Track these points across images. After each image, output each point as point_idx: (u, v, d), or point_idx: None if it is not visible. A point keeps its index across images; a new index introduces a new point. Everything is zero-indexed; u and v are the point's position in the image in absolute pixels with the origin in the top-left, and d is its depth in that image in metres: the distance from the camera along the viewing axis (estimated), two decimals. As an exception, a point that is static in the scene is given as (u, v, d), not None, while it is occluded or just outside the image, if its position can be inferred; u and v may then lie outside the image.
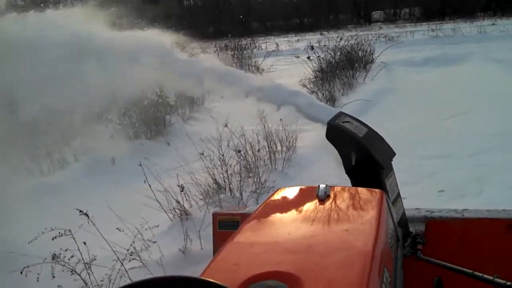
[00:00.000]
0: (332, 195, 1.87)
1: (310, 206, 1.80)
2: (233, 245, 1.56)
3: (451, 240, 2.53)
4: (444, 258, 2.23)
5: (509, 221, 2.41)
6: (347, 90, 11.01)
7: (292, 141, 6.47)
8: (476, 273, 2.02)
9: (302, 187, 2.06)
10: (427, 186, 5.18)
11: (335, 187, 1.96)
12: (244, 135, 5.70)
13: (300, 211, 1.78)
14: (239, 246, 1.56)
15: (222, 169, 4.94)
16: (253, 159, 5.67)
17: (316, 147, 6.29)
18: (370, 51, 14.78)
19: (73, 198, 4.87)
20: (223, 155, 4.95)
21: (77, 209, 3.15)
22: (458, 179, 5.12)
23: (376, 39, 22.35)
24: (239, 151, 5.11)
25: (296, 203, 1.90)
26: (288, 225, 1.68)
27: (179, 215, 4.64)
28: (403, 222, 2.47)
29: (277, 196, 2.02)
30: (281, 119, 6.45)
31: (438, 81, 11.23)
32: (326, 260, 1.39)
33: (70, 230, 3.05)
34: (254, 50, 25.50)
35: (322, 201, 1.82)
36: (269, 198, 2.03)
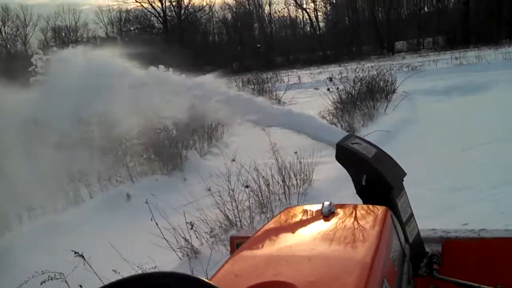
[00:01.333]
0: (336, 212, 1.91)
1: (314, 222, 1.86)
2: (237, 258, 1.61)
3: (468, 260, 2.49)
4: (461, 278, 2.24)
5: None
6: (367, 121, 10.83)
7: (308, 174, 6.31)
8: (483, 286, 2.07)
9: (308, 205, 2.11)
10: (449, 219, 4.93)
11: (340, 205, 2.00)
12: (257, 169, 5.57)
13: (304, 227, 1.84)
14: (243, 258, 1.60)
15: (232, 205, 4.80)
16: (267, 193, 5.53)
17: (333, 179, 6.11)
18: (391, 81, 14.64)
19: (81, 237, 4.80)
20: (233, 191, 4.82)
21: (72, 250, 3.05)
22: (481, 212, 4.86)
23: (398, 69, 22.24)
24: (247, 186, 4.98)
25: (301, 220, 1.97)
26: (291, 239, 1.73)
27: (187, 254, 4.49)
28: (418, 242, 2.48)
29: (284, 214, 2.09)
30: (295, 152, 6.34)
31: (462, 110, 10.95)
32: (325, 271, 1.40)
33: (62, 274, 2.94)
34: (276, 83, 25.69)
35: (326, 217, 1.85)
36: (276, 216, 2.10)
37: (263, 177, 5.46)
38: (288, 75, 30.10)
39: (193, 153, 8.70)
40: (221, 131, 11.32)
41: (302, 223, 1.91)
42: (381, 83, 14.25)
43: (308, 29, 59.97)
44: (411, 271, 1.95)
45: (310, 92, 17.64)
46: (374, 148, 2.56)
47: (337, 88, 12.33)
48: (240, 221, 4.88)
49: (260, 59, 49.17)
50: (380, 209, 1.95)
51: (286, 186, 5.69)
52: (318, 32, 58.03)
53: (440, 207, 5.18)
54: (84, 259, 3.14)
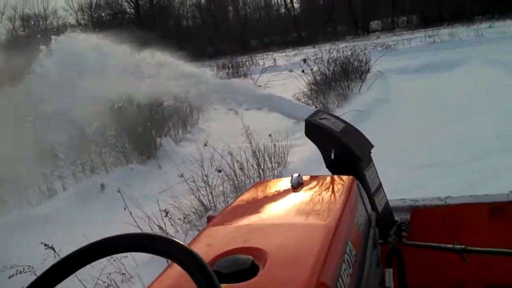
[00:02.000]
0: (305, 184, 1.97)
1: (283, 194, 1.91)
2: (208, 231, 1.65)
3: (435, 226, 2.63)
4: (431, 242, 2.37)
5: (492, 205, 2.52)
6: (342, 102, 10.87)
7: (283, 156, 6.30)
8: (443, 245, 2.22)
9: (278, 179, 2.22)
10: (420, 195, 4.99)
11: (309, 176, 2.07)
12: (231, 154, 5.53)
13: (273, 199, 1.89)
14: (214, 231, 1.64)
15: (206, 190, 4.77)
16: (242, 177, 5.50)
17: (308, 160, 6.12)
18: (365, 61, 14.69)
19: (54, 230, 4.72)
20: (206, 176, 4.78)
21: (42, 243, 2.99)
22: (451, 186, 4.91)
23: (373, 49, 22.33)
24: (220, 171, 4.95)
25: (270, 192, 2.02)
26: (261, 210, 1.79)
27: (162, 242, 4.45)
28: (387, 211, 2.60)
29: (255, 188, 2.15)
30: (270, 135, 6.32)
31: (435, 88, 11.05)
32: (292, 235, 1.46)
33: (31, 267, 2.88)
34: (252, 67, 25.58)
35: (295, 189, 1.90)
36: (247, 190, 2.15)
37: (237, 161, 5.43)
38: (263, 58, 29.95)
39: (167, 140, 8.58)
40: (196, 117, 11.23)
41: (272, 195, 1.96)
42: (356, 63, 14.29)
43: (283, 10, 59.64)
44: (377, 236, 2.01)
45: (285, 75, 17.58)
46: (342, 122, 2.63)
47: (311, 69, 12.29)
48: (215, 206, 4.86)
49: (235, 43, 48.76)
50: (346, 179, 2.02)
51: (261, 169, 5.67)
52: (292, 14, 57.73)
53: (412, 184, 5.22)
54: (55, 251, 3.08)
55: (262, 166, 5.71)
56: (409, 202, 2.74)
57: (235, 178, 5.24)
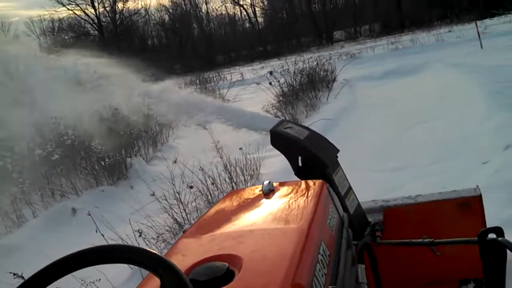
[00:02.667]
0: (276, 190, 2.02)
1: (255, 201, 1.94)
2: (183, 241, 1.67)
3: (409, 224, 2.72)
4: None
5: (459, 200, 2.64)
6: (310, 111, 10.97)
7: (255, 169, 6.29)
8: (413, 240, 2.28)
9: (250, 187, 2.23)
10: (394, 199, 5.05)
11: (280, 182, 2.12)
12: (202, 169, 5.49)
13: (246, 206, 1.92)
14: (188, 241, 1.66)
15: (179, 207, 4.71)
16: (216, 192, 5.46)
17: (280, 172, 6.10)
18: (331, 70, 14.89)
19: (24, 258, 4.56)
20: (178, 193, 4.73)
21: (11, 272, 2.88)
22: (424, 189, 4.98)
23: (338, 58, 22.69)
24: (191, 187, 4.90)
25: (243, 200, 2.05)
26: (234, 218, 1.80)
27: (137, 263, 4.35)
28: (360, 213, 2.65)
29: (228, 197, 2.19)
30: (240, 148, 6.31)
31: (399, 93, 11.30)
32: (266, 240, 1.49)
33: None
34: (220, 82, 25.61)
35: (266, 195, 1.96)
36: (220, 200, 2.19)
37: (209, 176, 5.39)
38: (231, 73, 30.06)
39: (138, 160, 8.46)
40: (166, 134, 11.14)
41: (245, 203, 1.99)
42: (322, 72, 14.47)
43: (248, 25, 60.13)
44: (351, 237, 2.04)
45: (253, 88, 17.66)
46: (306, 130, 2.70)
47: (278, 81, 12.39)
48: (190, 222, 4.79)
49: (201, 59, 48.79)
50: (316, 183, 2.05)
51: (233, 183, 5.64)
52: (257, 28, 58.26)
53: (385, 187, 5.28)
54: (24, 279, 2.96)
55: (234, 180, 5.69)
56: (380, 203, 2.81)
57: (208, 193, 5.20)
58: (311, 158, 2.57)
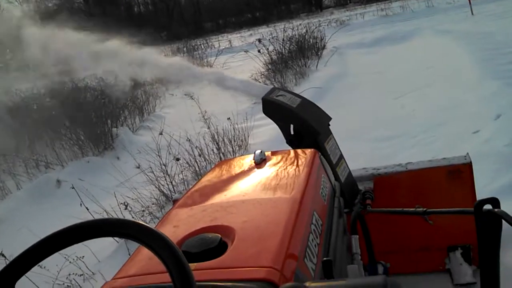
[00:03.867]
0: (268, 159, 2.01)
1: (247, 171, 1.93)
2: (174, 212, 1.65)
3: (398, 192, 2.73)
4: (395, 208, 2.44)
5: (449, 167, 2.65)
6: (299, 79, 10.79)
7: (244, 139, 6.18)
8: (406, 209, 2.27)
9: (242, 156, 2.21)
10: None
11: (272, 152, 2.11)
12: (190, 140, 5.36)
13: (237, 176, 1.91)
14: (180, 212, 1.63)
15: (165, 179, 4.60)
16: (204, 163, 5.36)
17: (270, 141, 6.03)
18: (321, 37, 14.63)
19: (7, 232, 4.46)
20: (165, 165, 4.61)
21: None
22: (415, 157, 4.93)
23: (327, 25, 22.35)
24: (178, 159, 4.78)
25: (234, 170, 2.03)
26: (225, 188, 1.78)
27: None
28: (351, 181, 2.66)
29: (218, 166, 2.16)
30: (228, 118, 6.18)
31: (390, 60, 11.14)
32: (258, 210, 1.48)
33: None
34: (207, 49, 25.20)
35: (258, 165, 1.94)
36: (211, 169, 2.16)
37: (196, 147, 5.27)
38: (218, 40, 29.51)
39: (124, 130, 8.28)
40: (152, 104, 10.94)
41: (236, 173, 1.97)
42: (311, 40, 14.22)
43: (236, -9, 58.90)
44: (342, 206, 2.04)
45: (242, 56, 17.33)
46: (298, 98, 2.67)
47: (267, 49, 12.15)
48: (180, 192, 4.70)
49: (189, 26, 47.93)
50: (308, 152, 2.04)
51: (221, 153, 5.54)
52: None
53: (376, 156, 5.22)
54: (4, 256, 2.87)
55: (222, 150, 5.58)
56: (371, 171, 2.81)
57: (195, 164, 5.09)
58: (303, 126, 2.55)
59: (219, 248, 1.23)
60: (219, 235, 1.27)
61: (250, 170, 1.93)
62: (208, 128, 5.68)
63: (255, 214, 1.46)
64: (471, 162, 2.66)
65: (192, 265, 1.01)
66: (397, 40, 13.83)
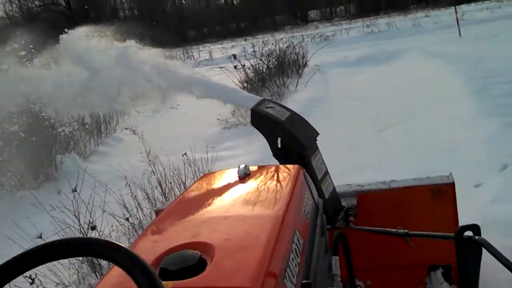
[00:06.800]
0: (252, 174, 1.98)
1: (230, 185, 1.91)
2: (155, 226, 1.65)
3: (382, 209, 2.76)
4: (377, 226, 2.50)
5: (433, 186, 2.69)
6: (276, 101, 9.91)
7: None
8: (388, 229, 2.34)
9: (226, 170, 2.13)
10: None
11: (256, 166, 2.09)
12: (128, 185, 4.39)
13: (221, 190, 1.88)
14: (161, 226, 1.62)
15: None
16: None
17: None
18: (302, 54, 13.83)
19: None
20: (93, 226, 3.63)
21: None
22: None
23: (311, 40, 21.63)
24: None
25: (218, 184, 2.00)
26: (208, 203, 1.77)
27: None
28: (334, 197, 2.69)
29: (202, 180, 2.12)
30: (183, 155, 5.18)
31: (374, 83, 10.33)
32: (240, 228, 1.48)
33: None
34: (187, 60, 24.34)
35: (242, 179, 1.92)
36: (194, 182, 2.12)
37: (135, 196, 4.29)
38: (199, 51, 28.68)
39: (72, 156, 7.19)
40: (115, 123, 9.91)
41: (219, 187, 1.94)
42: (293, 56, 13.40)
43: (223, 1, 58.33)
44: (325, 223, 2.02)
45: (220, 69, 16.52)
46: (287, 111, 2.65)
47: (243, 65, 11.26)
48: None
49: (173, 34, 47.07)
50: (293, 168, 2.02)
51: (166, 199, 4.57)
52: (231, 4, 56.61)
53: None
54: None
55: (167, 196, 4.59)
56: (355, 187, 2.84)
57: (130, 220, 4.10)
58: (291, 140, 2.54)
59: (198, 265, 1.21)
60: (199, 252, 1.25)
61: (233, 184, 1.90)
62: (153, 172, 4.70)
63: (236, 231, 1.45)
64: (453, 182, 2.66)
65: (170, 283, 1.12)
66: (382, 61, 13.09)
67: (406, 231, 2.19)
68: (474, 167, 4.48)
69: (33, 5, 51.67)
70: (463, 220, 2.55)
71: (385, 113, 7.49)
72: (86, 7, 49.62)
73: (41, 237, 3.70)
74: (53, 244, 0.92)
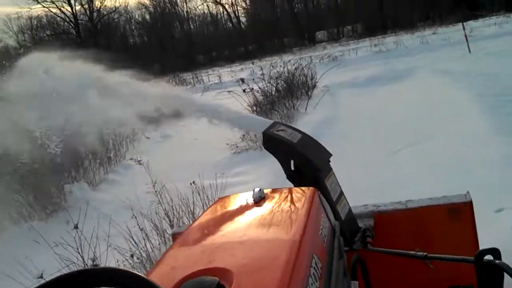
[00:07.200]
0: (266, 197, 1.97)
1: (246, 209, 1.90)
2: (173, 251, 1.65)
3: (399, 230, 2.72)
4: (395, 247, 2.45)
5: (449, 206, 2.63)
6: (286, 123, 9.81)
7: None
8: (406, 251, 2.29)
9: (240, 194, 2.13)
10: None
11: (271, 190, 2.08)
12: (135, 217, 4.27)
13: (236, 215, 1.88)
14: (178, 251, 1.64)
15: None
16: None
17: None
18: (311, 75, 13.79)
19: None
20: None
21: None
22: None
23: (319, 61, 21.64)
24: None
25: (233, 208, 2.00)
26: (224, 227, 1.78)
27: None
28: (351, 218, 2.64)
29: (217, 204, 2.13)
30: (192, 183, 5.09)
31: (384, 103, 10.21)
32: (257, 252, 1.46)
33: None
34: (197, 84, 24.47)
35: (257, 203, 1.91)
36: (210, 206, 2.14)
37: (142, 229, 4.18)
38: (208, 74, 28.84)
39: (80, 185, 7.13)
40: (125, 149, 9.87)
41: (235, 211, 1.95)
42: (302, 77, 13.37)
43: (231, 25, 58.96)
44: (342, 246, 2.00)
45: (229, 93, 16.52)
46: (299, 133, 2.65)
47: (252, 89, 11.22)
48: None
49: (182, 59, 47.53)
50: (307, 190, 2.01)
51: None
52: (239, 27, 57.17)
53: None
54: None
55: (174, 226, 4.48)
56: (371, 208, 2.80)
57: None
58: (304, 162, 2.54)
59: None
60: (217, 278, 1.23)
61: (249, 208, 1.89)
62: (159, 203, 4.59)
63: (253, 256, 1.44)
64: (471, 201, 2.61)
65: None
66: (392, 80, 12.98)
67: (425, 253, 2.16)
68: (493, 190, 4.30)
69: (45, 35, 52.77)
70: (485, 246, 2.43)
71: (397, 133, 7.36)
72: (96, 35, 50.52)
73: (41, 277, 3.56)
74: (67, 275, 0.93)
